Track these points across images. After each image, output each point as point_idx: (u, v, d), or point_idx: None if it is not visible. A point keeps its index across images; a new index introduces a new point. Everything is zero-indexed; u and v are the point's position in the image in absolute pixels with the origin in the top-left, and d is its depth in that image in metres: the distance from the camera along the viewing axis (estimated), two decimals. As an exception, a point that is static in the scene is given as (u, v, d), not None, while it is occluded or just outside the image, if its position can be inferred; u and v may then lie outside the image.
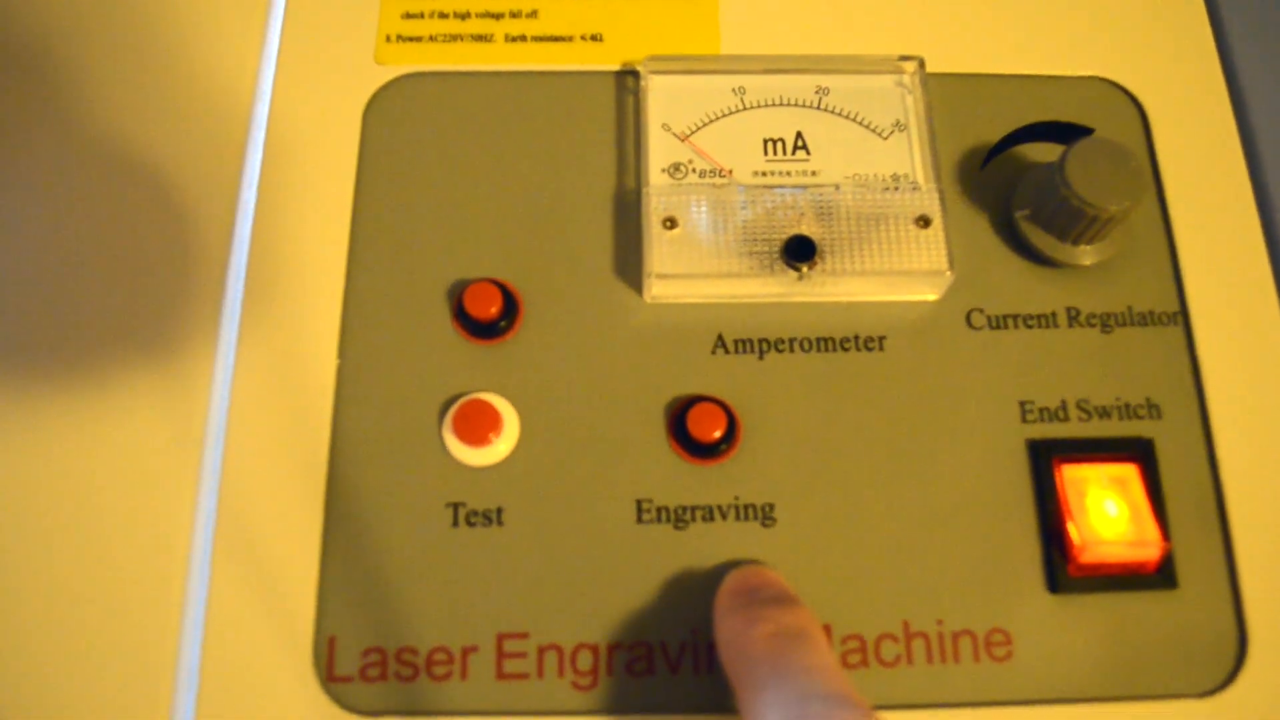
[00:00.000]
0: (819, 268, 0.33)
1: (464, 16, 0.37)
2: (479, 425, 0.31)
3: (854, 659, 0.31)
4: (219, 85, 0.36)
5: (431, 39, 0.36)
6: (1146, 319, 0.34)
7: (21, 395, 0.32)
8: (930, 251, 0.33)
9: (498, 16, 0.37)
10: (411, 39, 0.36)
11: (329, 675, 0.30)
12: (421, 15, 0.37)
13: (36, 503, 0.31)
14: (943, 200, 0.34)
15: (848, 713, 0.25)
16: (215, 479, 0.32)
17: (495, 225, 0.34)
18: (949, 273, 0.33)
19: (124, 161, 0.35)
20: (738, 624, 0.29)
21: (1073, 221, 0.33)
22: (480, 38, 0.37)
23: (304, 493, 0.31)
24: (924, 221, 0.33)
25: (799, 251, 0.33)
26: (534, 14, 0.37)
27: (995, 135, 0.36)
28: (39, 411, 0.32)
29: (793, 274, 0.33)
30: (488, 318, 0.32)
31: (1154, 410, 0.33)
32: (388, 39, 0.36)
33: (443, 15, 0.37)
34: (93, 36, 0.36)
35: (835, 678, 0.26)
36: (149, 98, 0.36)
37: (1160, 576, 0.31)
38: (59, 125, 0.35)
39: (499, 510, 0.31)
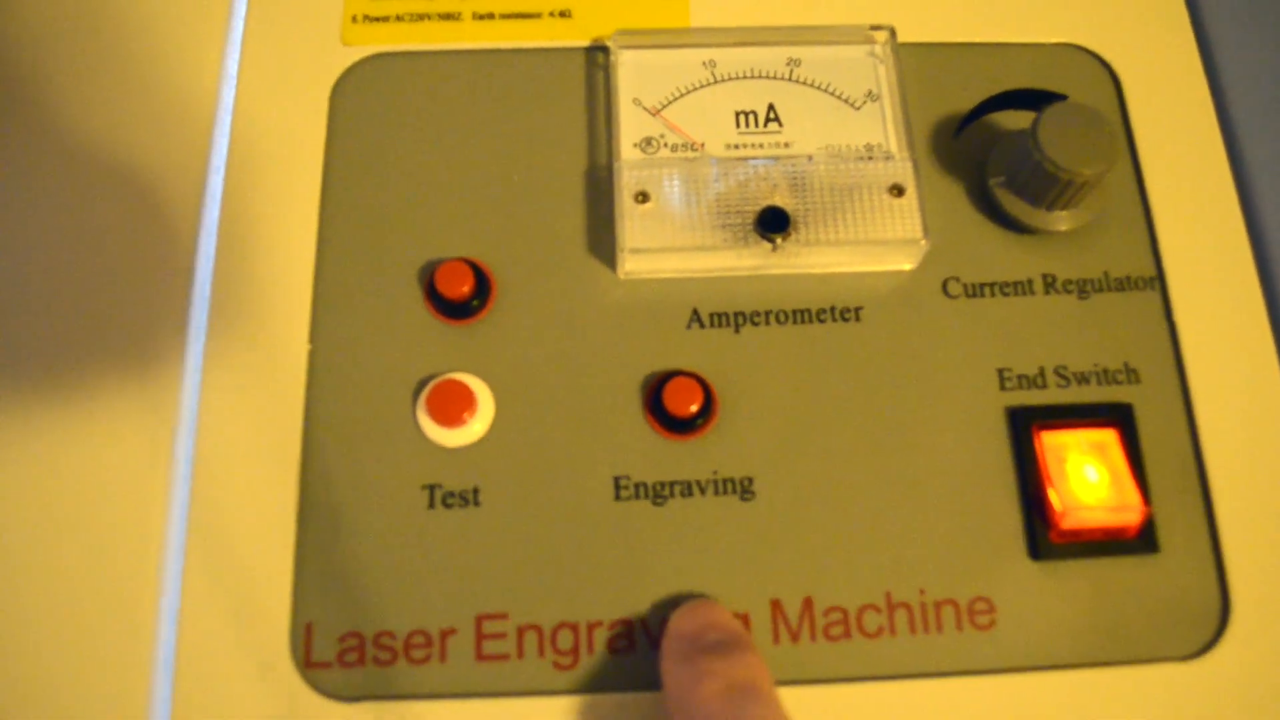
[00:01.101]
0: (793, 239, 0.32)
1: (430, -5, 0.36)
2: (453, 406, 0.31)
3: (836, 631, 0.30)
4: (181, 70, 0.35)
5: (398, 19, 0.36)
6: (1123, 284, 0.34)
7: (-12, 386, 0.32)
8: (905, 220, 0.33)
9: (464, -6, 0.36)
10: (378, 19, 0.36)
11: (306, 661, 0.30)
12: (387, -6, 0.36)
13: (3, 489, 0.31)
14: (916, 169, 0.33)
15: None
16: (187, 467, 0.31)
17: (466, 205, 0.34)
18: (924, 241, 0.33)
19: (86, 148, 0.34)
20: (685, 678, 0.28)
21: (1047, 187, 0.32)
22: (447, 16, 0.36)
23: (277, 478, 0.31)
24: (898, 190, 0.33)
25: (773, 223, 0.32)
26: (501, -9, 0.36)
27: (968, 104, 0.36)
28: (8, 400, 0.32)
29: (766, 246, 0.32)
30: (459, 297, 0.32)
31: (1132, 375, 0.33)
32: (354, 19, 0.36)
33: (409, -6, 0.36)
34: (49, 21, 0.36)
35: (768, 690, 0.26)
36: (110, 83, 0.35)
37: (1142, 541, 0.31)
38: (17, 116, 0.35)
39: (475, 491, 0.31)
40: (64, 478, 0.31)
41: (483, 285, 0.33)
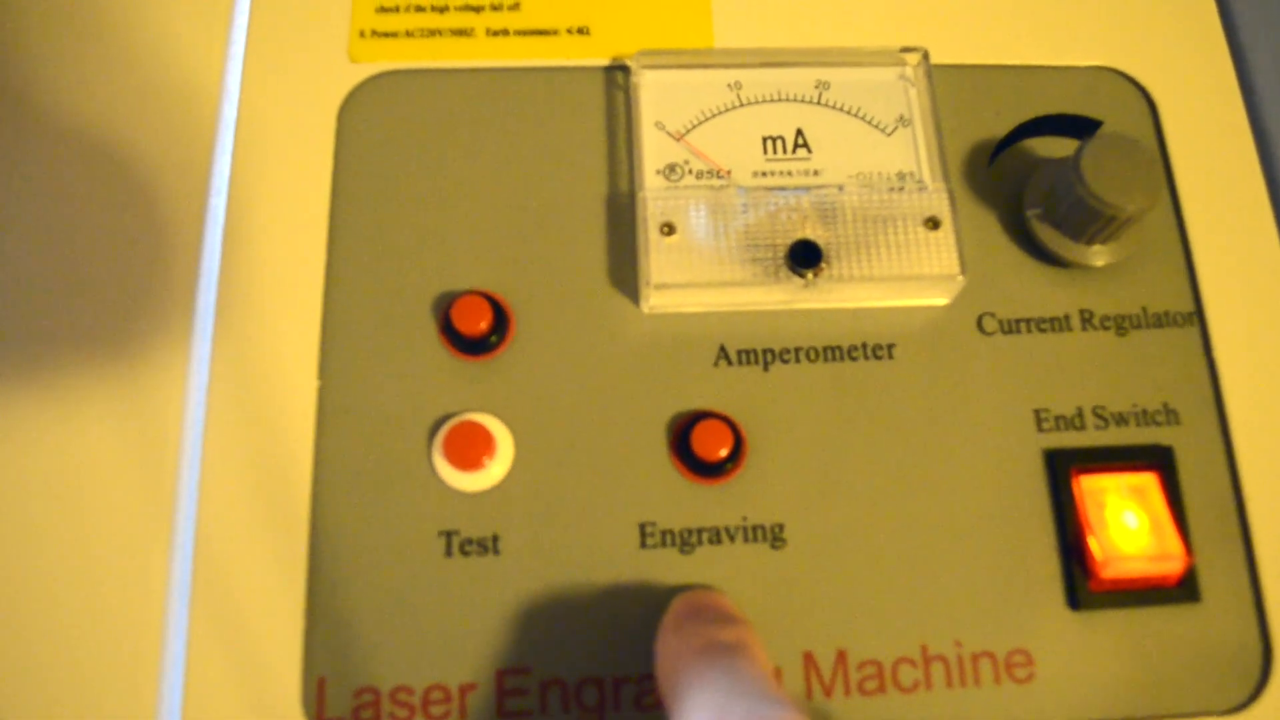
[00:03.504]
0: (825, 273, 0.31)
1: (442, 10, 0.35)
2: (471, 448, 0.30)
3: (871, 685, 0.29)
4: (182, 87, 0.33)
5: (408, 34, 0.34)
6: (1161, 320, 0.33)
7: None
8: (941, 254, 0.32)
9: (478, 9, 0.35)
10: (387, 35, 0.34)
11: (319, 719, 0.28)
12: (397, 9, 0.34)
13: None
14: (952, 200, 0.32)
15: (774, 710, 0.23)
16: (191, 513, 0.30)
17: (481, 233, 0.32)
18: (961, 276, 0.31)
19: (84, 171, 0.33)
20: (672, 643, 0.27)
21: (1088, 221, 0.31)
22: (460, 32, 0.34)
23: (285, 524, 0.30)
24: (933, 223, 0.32)
25: (804, 257, 0.31)
26: (516, 6, 0.35)
27: (1000, 129, 0.35)
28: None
29: (798, 280, 0.31)
30: (477, 333, 0.31)
31: (1172, 416, 0.32)
32: (361, 35, 0.34)
33: (420, 9, 0.35)
34: (47, 34, 0.34)
35: (763, 681, 0.25)
36: (109, 97, 0.33)
37: (1182, 590, 0.30)
38: (15, 134, 0.33)
39: (494, 538, 0.30)
40: (58, 528, 0.29)
41: (501, 320, 0.31)
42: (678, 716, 0.25)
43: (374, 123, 0.34)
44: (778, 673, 0.29)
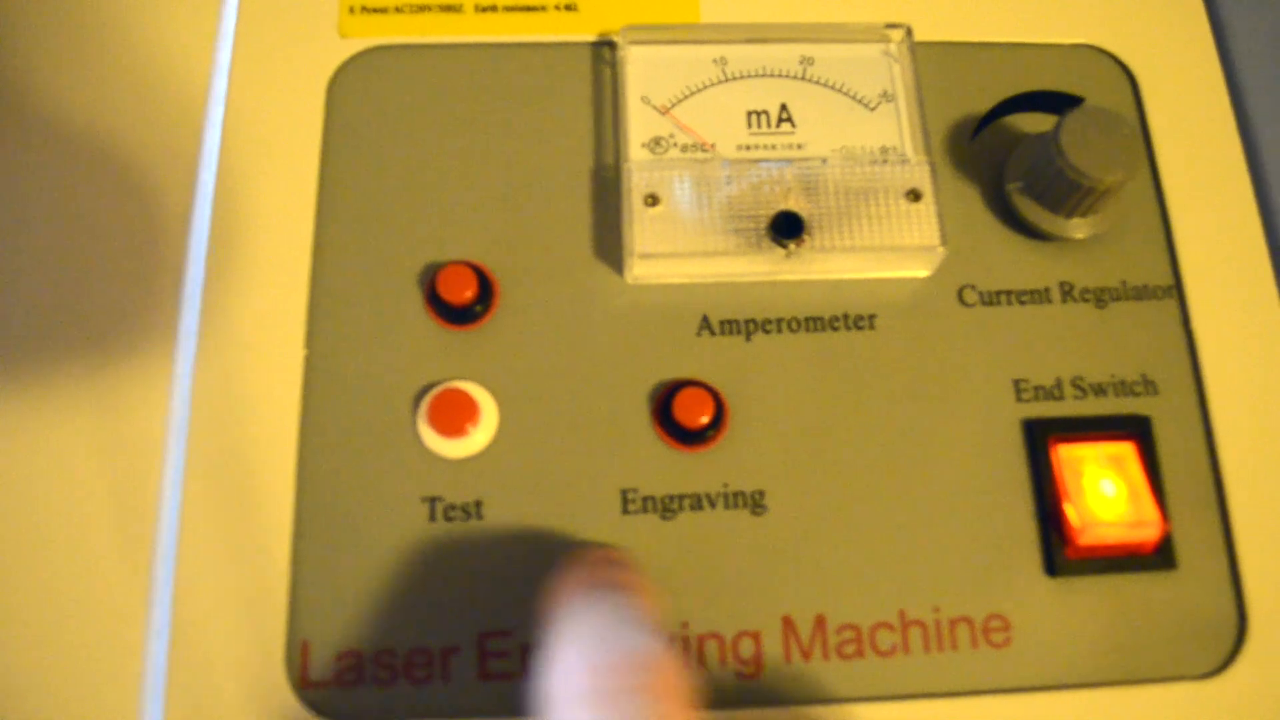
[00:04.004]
0: (807, 244, 0.31)
1: (431, -15, 0.35)
2: (455, 415, 0.30)
3: (849, 649, 0.30)
4: (173, 62, 0.34)
5: (397, 10, 0.35)
6: (1141, 293, 0.33)
7: (-31, 392, 0.31)
8: (922, 226, 0.32)
9: (466, -15, 0.35)
10: (376, 10, 0.35)
11: (303, 681, 0.29)
12: (386, -16, 0.35)
13: (-12, 505, 0.30)
14: (934, 173, 0.32)
15: (644, 641, 0.24)
16: (178, 478, 0.30)
17: (468, 205, 0.33)
18: (941, 248, 0.32)
19: (73, 144, 0.33)
20: (563, 582, 0.27)
21: (1068, 193, 0.32)
22: (448, 8, 0.35)
23: (272, 490, 0.30)
24: (914, 195, 0.32)
25: (786, 228, 0.31)
26: (504, -18, 0.35)
27: (983, 105, 0.35)
28: (-12, 408, 0.31)
29: (780, 251, 0.31)
30: (462, 302, 0.31)
31: (1150, 387, 0.32)
32: (351, 10, 0.35)
33: (408, -16, 0.35)
34: (36, 11, 0.34)
35: (637, 620, 0.25)
36: (98, 75, 0.34)
37: (1159, 557, 0.31)
38: (5, 115, 0.33)
39: (478, 504, 0.30)
40: (50, 485, 0.30)
41: (486, 289, 0.31)
42: (556, 642, 0.25)
43: (363, 97, 0.34)
44: (756, 637, 0.29)
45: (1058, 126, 0.31)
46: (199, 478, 0.30)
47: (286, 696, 0.28)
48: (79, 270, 0.32)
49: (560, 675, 0.24)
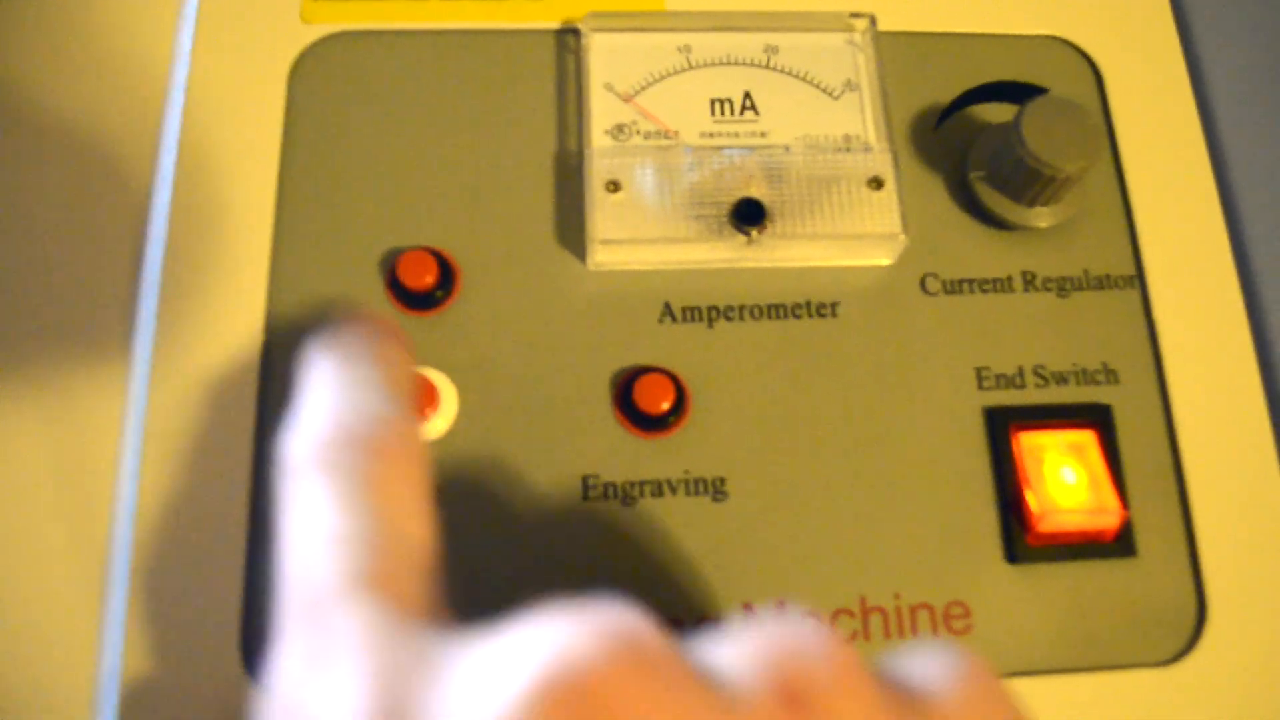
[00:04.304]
0: (769, 231, 0.31)
1: (395, -29, 0.35)
2: (414, 401, 0.30)
3: (809, 636, 0.29)
4: (132, 46, 0.34)
5: (360, -5, 0.35)
6: (1103, 282, 0.33)
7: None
8: (883, 214, 0.32)
9: (430, -28, 0.35)
10: (339, -5, 0.34)
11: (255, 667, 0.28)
12: (349, -30, 0.35)
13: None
14: (896, 162, 0.32)
15: (368, 425, 0.23)
16: (135, 465, 0.30)
17: (430, 192, 0.33)
18: (903, 235, 0.32)
19: (29, 127, 0.33)
20: (314, 346, 0.26)
21: (1029, 182, 0.32)
22: (412, -6, 0.35)
23: (228, 476, 0.30)
24: (877, 183, 0.32)
25: (748, 214, 0.31)
26: (469, -31, 0.35)
27: (948, 95, 0.35)
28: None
29: (741, 238, 0.31)
30: (423, 287, 0.31)
31: (1111, 376, 0.32)
32: (314, -5, 0.34)
33: (372, -30, 0.35)
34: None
35: (376, 380, 0.25)
36: (57, 57, 0.33)
37: (1119, 545, 0.31)
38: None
39: (437, 490, 0.30)
40: (4, 476, 0.29)
41: (447, 275, 0.31)
42: (294, 407, 0.25)
43: (325, 83, 0.34)
44: (718, 623, 0.29)
45: (1018, 115, 0.31)
46: (157, 461, 0.30)
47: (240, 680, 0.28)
48: (33, 257, 0.31)
49: (291, 437, 0.24)
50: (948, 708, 0.19)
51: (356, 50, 0.34)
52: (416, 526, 0.23)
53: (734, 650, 0.18)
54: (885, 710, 0.18)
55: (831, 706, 0.18)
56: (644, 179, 0.32)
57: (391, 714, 0.18)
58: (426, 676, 0.18)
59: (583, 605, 0.18)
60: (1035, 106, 0.31)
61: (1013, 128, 0.31)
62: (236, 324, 0.31)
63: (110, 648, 0.28)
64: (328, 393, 0.25)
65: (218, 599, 0.29)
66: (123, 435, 0.30)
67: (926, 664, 0.20)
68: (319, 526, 0.22)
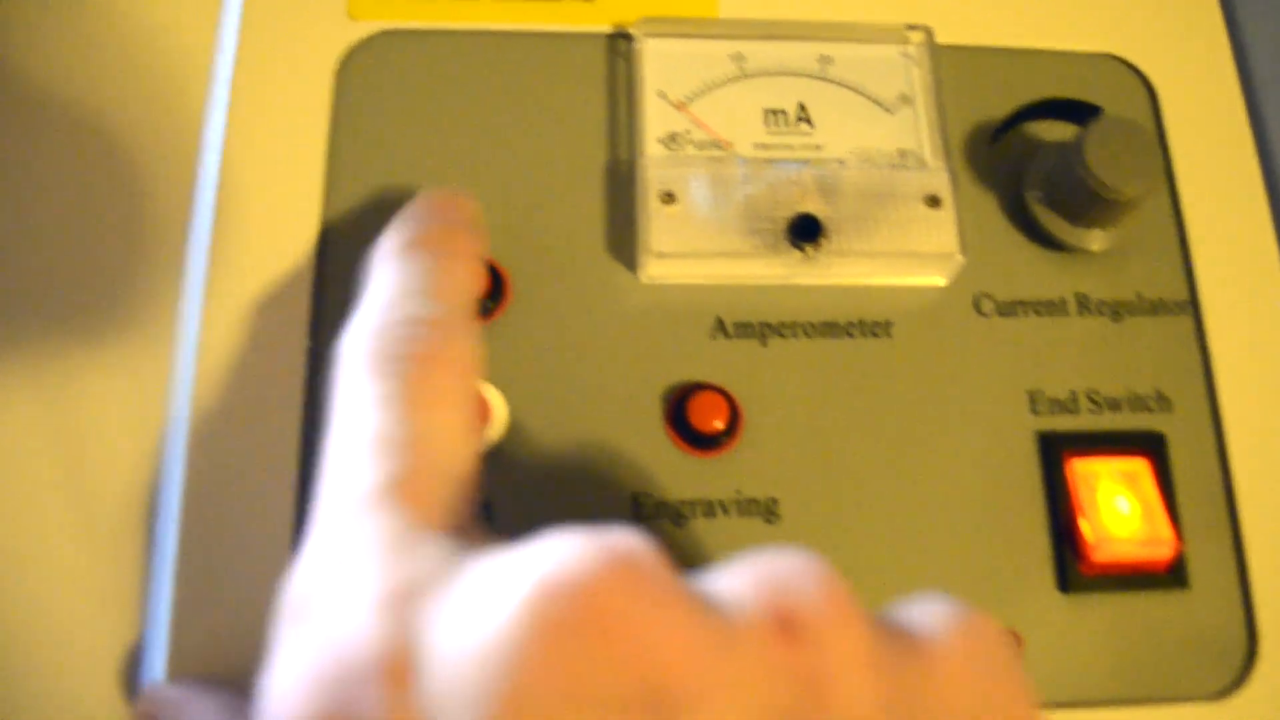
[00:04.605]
0: (825, 248, 0.31)
1: (444, -31, 0.34)
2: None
3: (860, 662, 0.29)
4: (177, 41, 0.33)
5: (409, -7, 0.34)
6: (1156, 307, 0.33)
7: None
8: (940, 233, 0.31)
9: (480, -29, 0.34)
10: (387, -8, 0.34)
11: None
12: (398, -33, 0.34)
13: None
14: (953, 179, 0.32)
15: (426, 310, 0.24)
16: (178, 476, 0.29)
17: (478, 196, 0.32)
18: (959, 256, 0.31)
19: (73, 124, 0.32)
20: (386, 237, 0.27)
21: (1088, 204, 0.31)
22: (461, -7, 0.34)
23: (272, 488, 0.29)
24: (934, 201, 0.32)
25: (805, 230, 0.31)
26: (519, -31, 0.34)
27: (1001, 111, 0.35)
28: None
29: (797, 254, 0.31)
30: (472, 297, 0.30)
31: (1164, 403, 0.32)
32: (360, -8, 0.34)
33: (421, -33, 0.34)
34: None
35: (439, 288, 0.25)
36: (100, 51, 0.32)
37: (1171, 576, 0.30)
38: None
39: (486, 505, 0.29)
40: (40, 488, 0.29)
41: (497, 286, 0.31)
42: (357, 305, 0.25)
43: (372, 82, 0.33)
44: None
45: (1081, 136, 0.31)
46: (200, 472, 0.29)
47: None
48: (72, 264, 0.31)
49: (349, 333, 0.24)
50: (943, 655, 0.19)
51: (404, 49, 0.33)
52: (457, 435, 0.23)
53: (732, 579, 0.19)
54: (877, 647, 0.19)
55: (823, 636, 0.18)
56: (699, 191, 0.31)
57: (396, 621, 0.18)
58: (434, 586, 0.18)
59: (594, 529, 0.19)
60: (1098, 128, 0.31)
61: (1074, 148, 0.31)
62: (280, 329, 0.30)
63: (160, 589, 0.28)
64: (387, 291, 0.25)
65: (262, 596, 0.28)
66: (165, 444, 0.29)
67: (927, 612, 0.21)
68: (359, 427, 0.22)
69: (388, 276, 0.25)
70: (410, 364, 0.23)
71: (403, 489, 0.21)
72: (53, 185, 0.31)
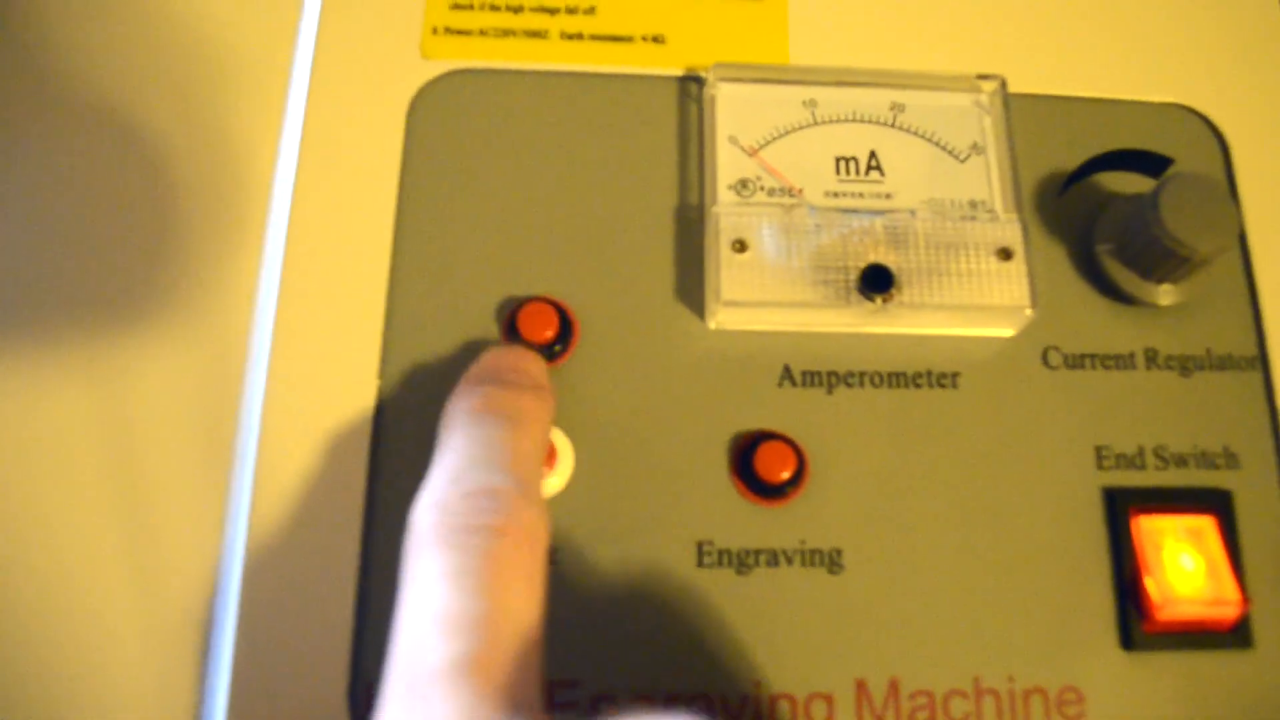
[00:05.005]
0: (895, 299, 0.31)
1: (517, 10, 0.34)
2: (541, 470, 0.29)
3: (922, 716, 0.29)
4: (249, 80, 0.33)
5: (481, 33, 0.34)
6: (1225, 363, 0.33)
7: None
8: (1012, 286, 0.31)
9: (553, 11, 0.34)
10: (460, 32, 0.34)
11: (368, 722, 0.28)
12: (471, 7, 0.34)
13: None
14: (1025, 231, 0.32)
15: (501, 482, 0.24)
16: (245, 507, 0.29)
17: (548, 238, 0.32)
18: (1030, 309, 0.31)
19: (146, 163, 0.32)
20: (459, 395, 0.27)
21: (1161, 260, 0.31)
22: (534, 33, 0.34)
23: (339, 523, 0.29)
24: (1005, 254, 0.32)
25: (877, 281, 0.31)
26: (592, 10, 0.34)
27: (1071, 161, 0.34)
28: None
29: (867, 305, 0.31)
30: (542, 340, 0.30)
31: (1232, 460, 0.32)
32: (434, 31, 0.34)
33: (494, 8, 0.34)
34: (115, 27, 0.34)
35: (509, 454, 0.25)
36: (173, 92, 0.33)
37: (1235, 635, 0.30)
38: (81, 134, 0.33)
39: (551, 548, 0.29)
40: (112, 539, 0.29)
41: (566, 328, 0.31)
42: (428, 473, 0.25)
43: (444, 120, 0.33)
44: (829, 699, 0.29)
45: (1156, 192, 0.31)
46: (268, 505, 0.29)
47: (351, 739, 0.28)
48: (154, 293, 0.31)
49: (418, 505, 0.24)
50: None
51: (476, 89, 0.34)
52: (525, 611, 0.23)
53: None
54: None
55: None
56: (770, 239, 0.31)
57: None
58: None
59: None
60: (1173, 184, 0.31)
61: (1149, 203, 0.31)
62: (350, 367, 0.31)
63: (216, 668, 0.28)
64: (456, 461, 0.25)
65: (327, 655, 0.28)
66: (237, 470, 0.30)
67: None
68: (431, 604, 0.23)
69: (458, 444, 0.26)
70: (479, 537, 0.23)
71: (476, 668, 0.21)
72: (122, 229, 0.32)
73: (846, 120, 0.33)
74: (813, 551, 0.30)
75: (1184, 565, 0.30)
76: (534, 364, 0.29)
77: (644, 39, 0.34)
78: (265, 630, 0.29)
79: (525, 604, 0.23)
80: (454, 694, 0.21)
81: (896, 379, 0.32)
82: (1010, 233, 0.32)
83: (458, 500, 0.24)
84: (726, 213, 0.31)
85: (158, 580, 0.29)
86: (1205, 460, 0.32)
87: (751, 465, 0.30)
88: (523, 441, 0.26)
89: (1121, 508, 0.31)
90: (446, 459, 0.26)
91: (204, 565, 0.29)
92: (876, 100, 0.34)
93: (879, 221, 0.32)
